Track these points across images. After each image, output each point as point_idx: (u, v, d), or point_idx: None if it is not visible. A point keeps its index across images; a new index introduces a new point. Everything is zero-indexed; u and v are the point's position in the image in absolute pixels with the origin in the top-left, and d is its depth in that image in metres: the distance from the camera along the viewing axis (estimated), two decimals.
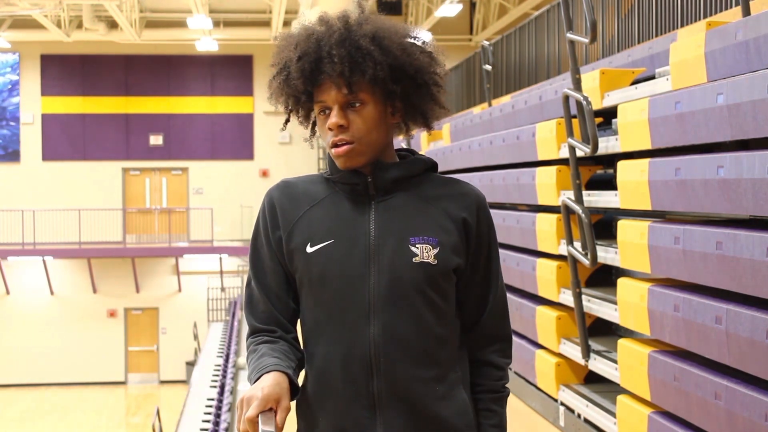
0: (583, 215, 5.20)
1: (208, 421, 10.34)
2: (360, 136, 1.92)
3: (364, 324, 1.92)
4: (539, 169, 6.21)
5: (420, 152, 9.40)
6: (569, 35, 5.65)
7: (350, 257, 1.93)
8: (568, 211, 5.50)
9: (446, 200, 1.99)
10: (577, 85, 5.39)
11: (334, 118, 1.91)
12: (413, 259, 1.93)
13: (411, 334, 1.92)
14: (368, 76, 1.90)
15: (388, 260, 1.93)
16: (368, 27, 1.93)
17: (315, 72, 1.91)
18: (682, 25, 5.75)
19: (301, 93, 1.95)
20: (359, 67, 1.89)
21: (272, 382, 1.81)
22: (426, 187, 2.01)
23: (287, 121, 2.07)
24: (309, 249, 1.96)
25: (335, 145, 1.94)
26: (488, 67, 9.44)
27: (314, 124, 2.03)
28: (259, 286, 2.01)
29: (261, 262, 2.02)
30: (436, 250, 1.94)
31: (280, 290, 2.00)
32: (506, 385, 2.08)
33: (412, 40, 1.97)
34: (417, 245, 1.94)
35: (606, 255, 5.21)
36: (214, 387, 12.01)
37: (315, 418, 1.98)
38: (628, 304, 4.72)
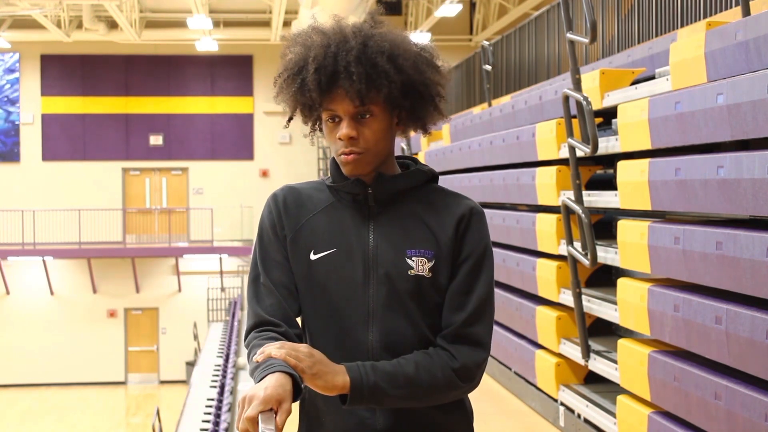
0: (583, 215, 5.20)
1: (208, 421, 10.32)
2: (368, 147, 1.99)
3: (363, 329, 1.99)
4: (539, 170, 6.21)
5: (420, 151, 9.33)
6: (569, 35, 5.65)
7: (351, 267, 2.00)
8: (568, 211, 5.50)
9: (444, 214, 2.04)
10: (577, 85, 5.39)
11: (345, 129, 1.97)
12: (409, 272, 2.00)
13: (407, 339, 2.00)
14: (383, 94, 1.97)
15: (386, 271, 2.00)
16: (383, 43, 1.98)
17: (330, 84, 1.97)
18: (682, 25, 5.75)
19: (314, 102, 2.01)
20: (375, 84, 1.96)
21: (276, 383, 1.81)
22: (426, 200, 2.06)
23: (290, 119, 2.12)
24: (312, 256, 2.02)
25: (344, 154, 2.00)
26: (488, 67, 9.44)
27: (315, 121, 2.08)
28: (268, 279, 2.04)
29: (269, 257, 2.06)
30: (431, 263, 2.00)
31: (290, 284, 2.04)
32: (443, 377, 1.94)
33: (421, 54, 2.03)
34: (413, 258, 2.00)
35: (606, 255, 5.21)
36: (214, 387, 12.00)
37: (318, 417, 2.04)
38: (628, 304, 4.72)
